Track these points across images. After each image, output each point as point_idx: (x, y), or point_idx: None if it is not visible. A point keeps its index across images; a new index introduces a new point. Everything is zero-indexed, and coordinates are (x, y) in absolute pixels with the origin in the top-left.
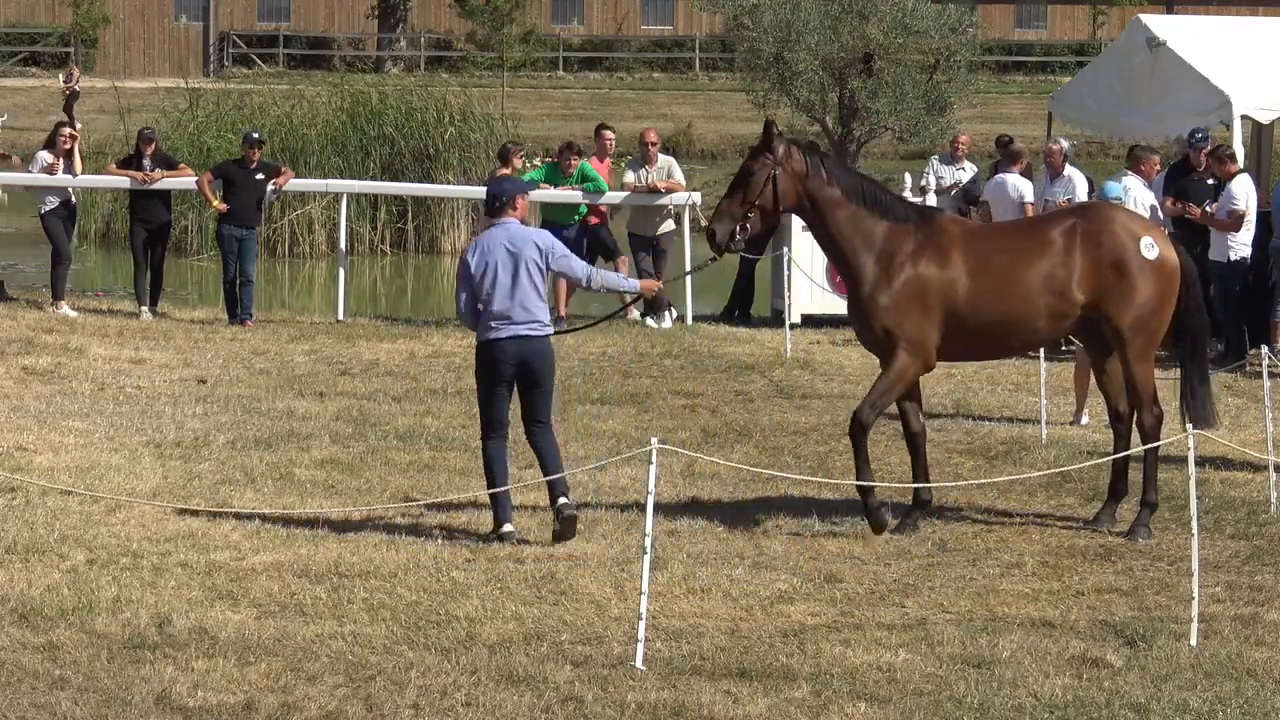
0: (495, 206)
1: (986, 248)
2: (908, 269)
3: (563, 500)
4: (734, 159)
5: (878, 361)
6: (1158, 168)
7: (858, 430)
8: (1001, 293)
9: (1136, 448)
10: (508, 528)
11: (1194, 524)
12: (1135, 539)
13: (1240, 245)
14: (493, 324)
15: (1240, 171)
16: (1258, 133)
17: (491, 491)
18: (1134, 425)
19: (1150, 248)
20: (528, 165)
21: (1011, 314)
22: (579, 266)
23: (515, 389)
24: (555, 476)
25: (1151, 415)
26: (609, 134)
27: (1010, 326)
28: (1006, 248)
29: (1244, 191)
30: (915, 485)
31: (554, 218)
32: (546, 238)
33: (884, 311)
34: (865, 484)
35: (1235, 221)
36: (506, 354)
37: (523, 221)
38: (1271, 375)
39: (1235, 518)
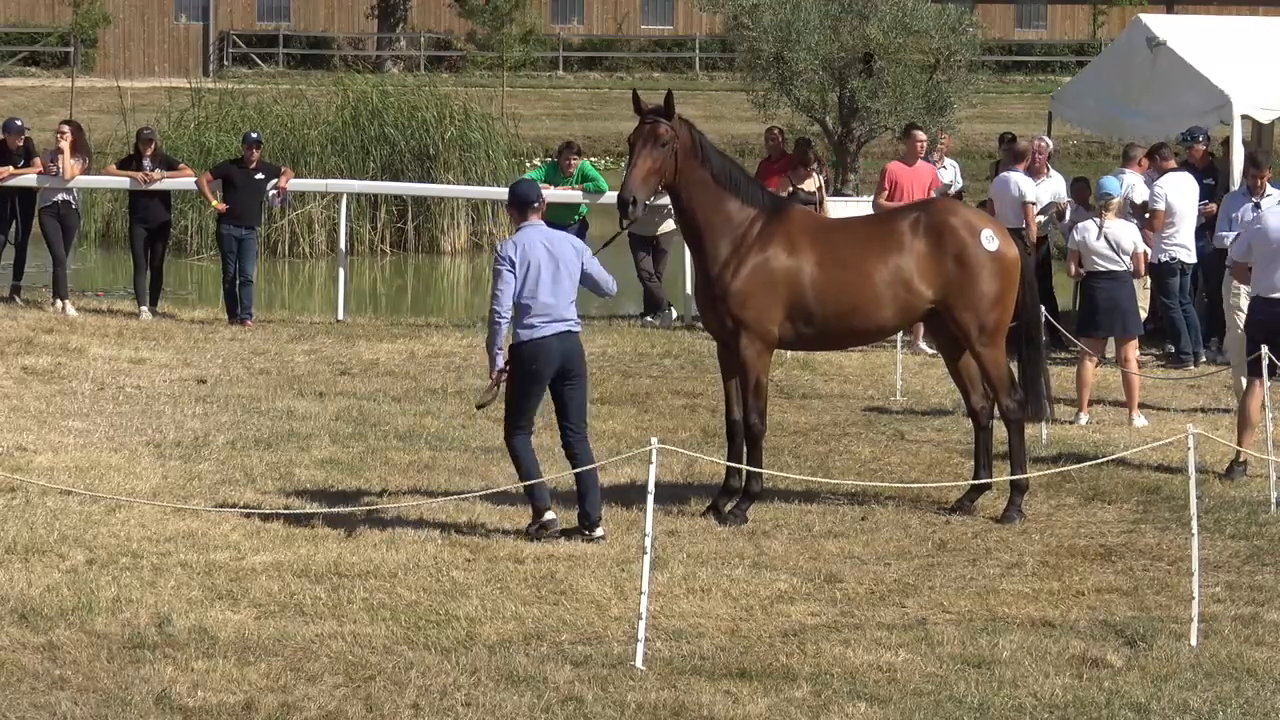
0: (531, 208)
1: (835, 239)
2: (757, 255)
3: (599, 533)
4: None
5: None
6: (1173, 164)
7: (755, 437)
8: (847, 282)
9: (1135, 448)
10: (549, 515)
11: (1194, 524)
12: (1009, 520)
13: (1173, 247)
14: (537, 322)
15: (1174, 169)
16: (1258, 133)
17: (528, 484)
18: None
19: (990, 240)
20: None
21: (857, 303)
22: (606, 273)
23: (549, 389)
24: (589, 502)
25: (1011, 400)
26: (919, 135)
27: (856, 315)
28: (853, 239)
29: (1162, 192)
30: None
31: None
32: (578, 241)
33: (731, 296)
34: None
35: (1154, 221)
36: (553, 351)
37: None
38: (1273, 376)
39: (1235, 518)
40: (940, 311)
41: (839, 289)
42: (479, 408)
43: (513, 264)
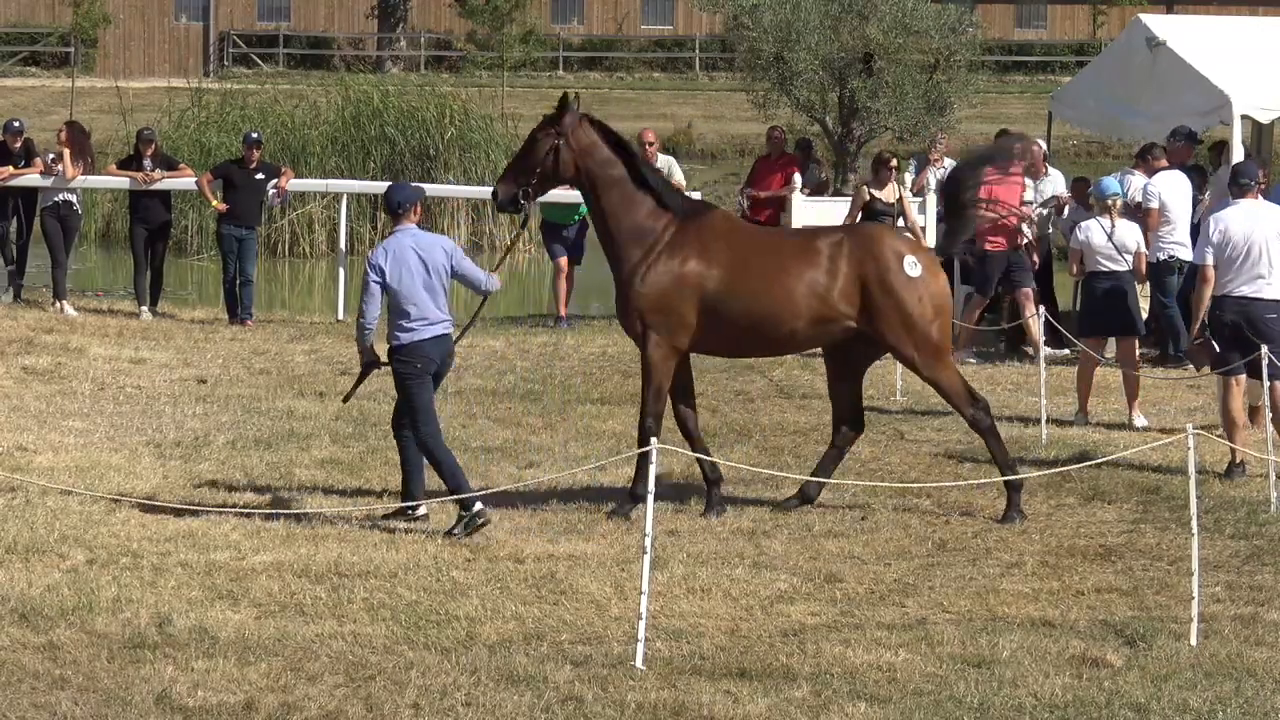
0: (399, 212)
1: (752, 247)
2: (668, 260)
3: (478, 507)
4: (734, 159)
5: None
6: (1164, 163)
7: (645, 439)
8: (758, 291)
9: (1135, 448)
10: (423, 510)
11: (1194, 524)
12: (1010, 521)
13: (1169, 245)
14: (415, 325)
15: (1165, 169)
16: (1258, 133)
17: (406, 475)
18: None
19: (913, 266)
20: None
21: (767, 313)
22: (479, 270)
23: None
24: (468, 493)
25: (974, 408)
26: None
27: (767, 324)
28: (770, 250)
29: (1155, 190)
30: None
31: (554, 217)
32: (449, 242)
33: (640, 298)
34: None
35: (1149, 220)
36: (430, 353)
37: (420, 226)
38: (1273, 377)
39: (1235, 518)
40: (871, 337)
41: (750, 296)
42: (344, 401)
43: (381, 273)
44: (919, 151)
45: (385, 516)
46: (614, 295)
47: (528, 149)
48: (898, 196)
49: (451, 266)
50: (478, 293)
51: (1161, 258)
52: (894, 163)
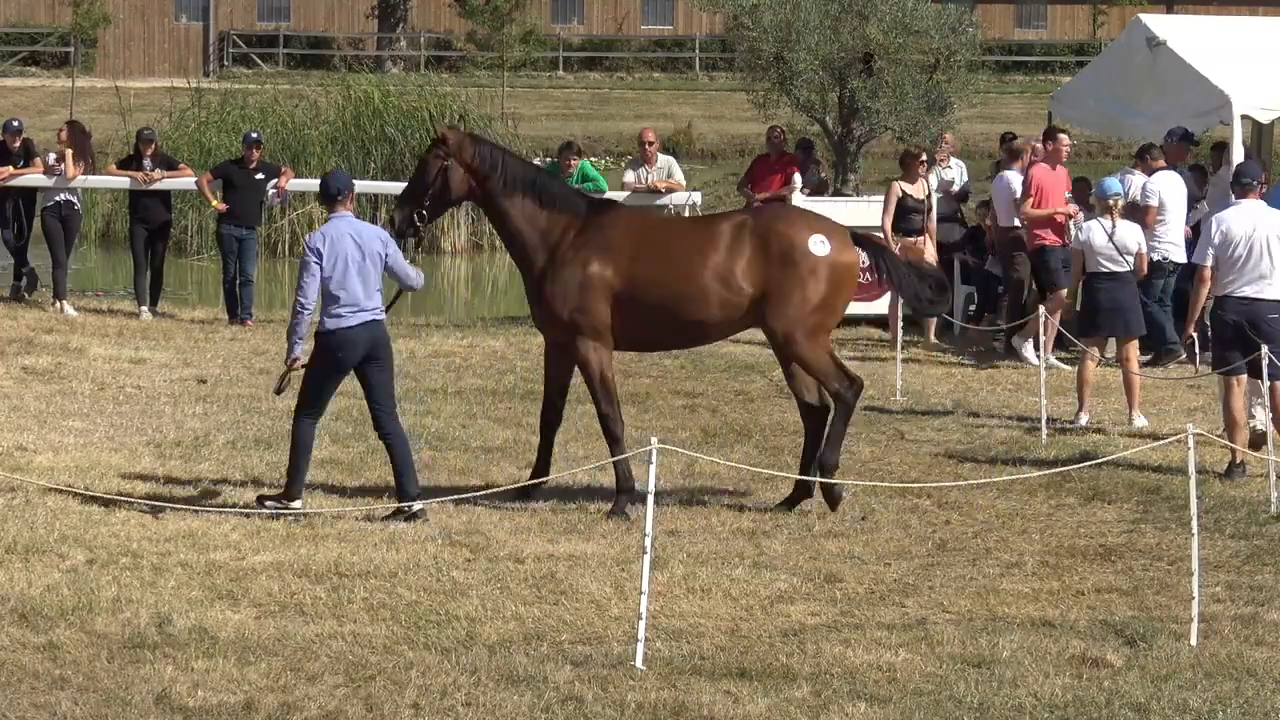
0: (337, 199)
1: (656, 239)
2: (574, 259)
3: (417, 507)
4: (734, 158)
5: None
6: (1162, 164)
7: (609, 430)
8: (666, 280)
9: (1135, 448)
10: (298, 504)
11: (1194, 524)
12: (834, 503)
13: (1164, 245)
14: (344, 312)
15: (1163, 168)
16: (1258, 133)
17: (291, 467)
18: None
19: (820, 244)
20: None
21: (677, 301)
22: (410, 267)
23: (356, 375)
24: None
25: (839, 385)
26: (1065, 138)
27: (679, 314)
28: (675, 238)
29: (1154, 189)
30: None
31: None
32: (384, 233)
33: (557, 301)
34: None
35: (1146, 218)
36: (358, 340)
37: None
38: (1273, 376)
39: (1235, 518)
40: (768, 314)
41: (658, 288)
42: (276, 393)
43: (320, 256)
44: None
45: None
46: (527, 298)
47: (418, 173)
48: (928, 193)
49: (386, 257)
50: (404, 288)
51: (1155, 258)
52: (924, 158)
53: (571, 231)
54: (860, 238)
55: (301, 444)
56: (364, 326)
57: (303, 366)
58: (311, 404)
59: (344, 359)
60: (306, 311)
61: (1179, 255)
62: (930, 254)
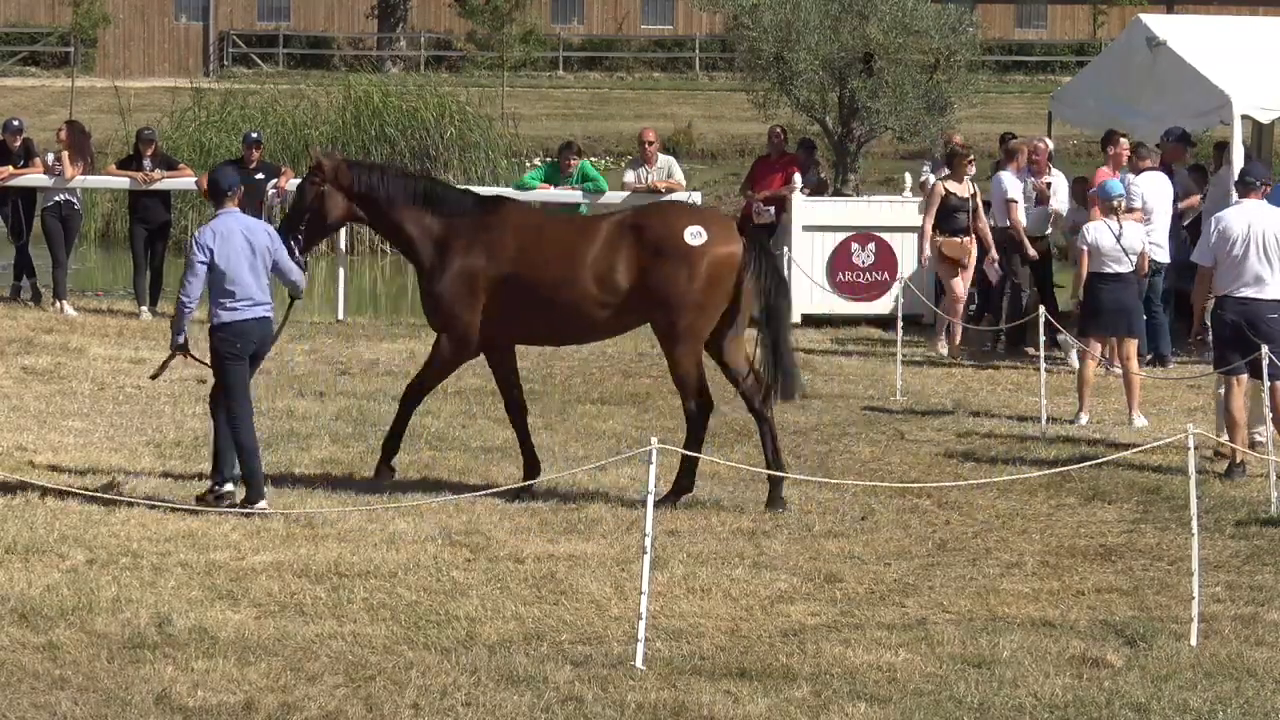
0: (227, 195)
1: (539, 236)
2: (458, 259)
3: (262, 505)
4: (734, 158)
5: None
6: (1149, 164)
7: (408, 397)
8: (546, 277)
9: (1135, 448)
10: (228, 488)
11: (1194, 524)
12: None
13: (1148, 246)
14: (239, 305)
15: (1149, 169)
16: (1258, 133)
17: (215, 454)
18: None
19: (696, 236)
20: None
21: (558, 298)
22: (295, 267)
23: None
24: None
25: (696, 400)
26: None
27: (561, 310)
28: (557, 237)
29: (1138, 190)
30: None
31: None
32: (271, 229)
33: (434, 299)
34: (393, 445)
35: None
36: (251, 333)
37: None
38: (1273, 378)
39: (1235, 518)
40: (645, 307)
41: (539, 285)
42: (152, 379)
43: (209, 253)
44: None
45: (198, 499)
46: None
47: (295, 200)
48: (973, 191)
49: (273, 253)
50: (286, 284)
51: None
52: (971, 156)
53: (460, 233)
54: (746, 233)
55: (249, 448)
56: (257, 321)
57: (185, 356)
58: (241, 396)
59: (241, 349)
60: (188, 308)
61: (1162, 256)
62: (974, 255)
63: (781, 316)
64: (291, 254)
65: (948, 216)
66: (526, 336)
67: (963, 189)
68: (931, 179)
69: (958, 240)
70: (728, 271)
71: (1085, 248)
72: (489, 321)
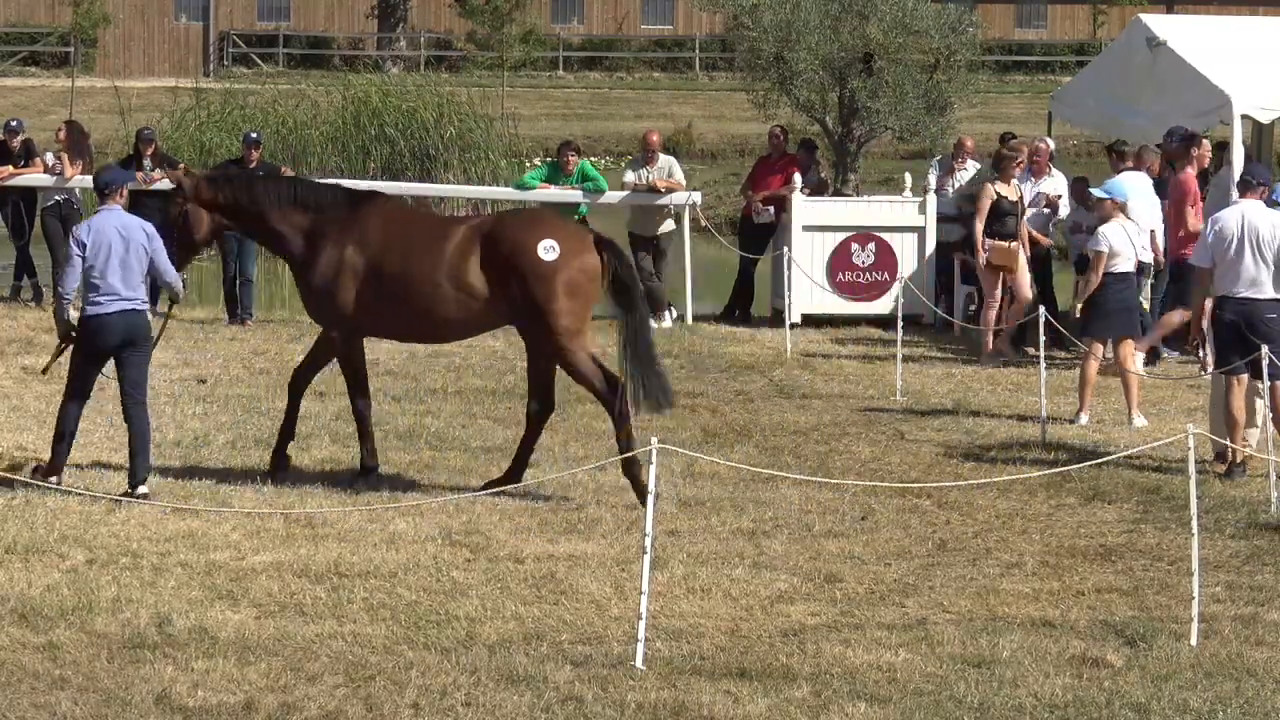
0: (106, 193)
1: (404, 235)
2: (327, 255)
3: (142, 491)
4: (734, 158)
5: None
6: (1129, 164)
7: (358, 413)
8: (404, 275)
9: (1135, 448)
10: (55, 480)
11: (1194, 524)
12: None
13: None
14: (103, 300)
15: (1129, 169)
16: (1258, 133)
17: (56, 443)
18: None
19: (549, 250)
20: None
21: (414, 296)
22: (172, 268)
23: (112, 360)
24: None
25: (608, 391)
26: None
27: (418, 308)
28: (420, 235)
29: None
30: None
31: None
32: (150, 228)
33: (310, 295)
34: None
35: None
36: (114, 326)
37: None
38: (1273, 376)
39: (1235, 518)
40: (513, 320)
41: (397, 282)
42: (43, 373)
43: (83, 247)
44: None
45: (33, 472)
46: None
47: (175, 223)
48: (1020, 194)
49: (150, 251)
50: (162, 284)
51: None
52: (1020, 159)
53: (330, 231)
54: (603, 243)
55: (63, 422)
56: (121, 315)
57: (70, 344)
58: (74, 387)
59: (100, 344)
60: (65, 299)
61: (1145, 256)
62: (1022, 258)
63: (642, 326)
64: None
65: (998, 220)
66: (384, 330)
67: (1011, 191)
68: (934, 180)
69: (1006, 245)
70: (585, 282)
71: (1104, 250)
72: (361, 311)
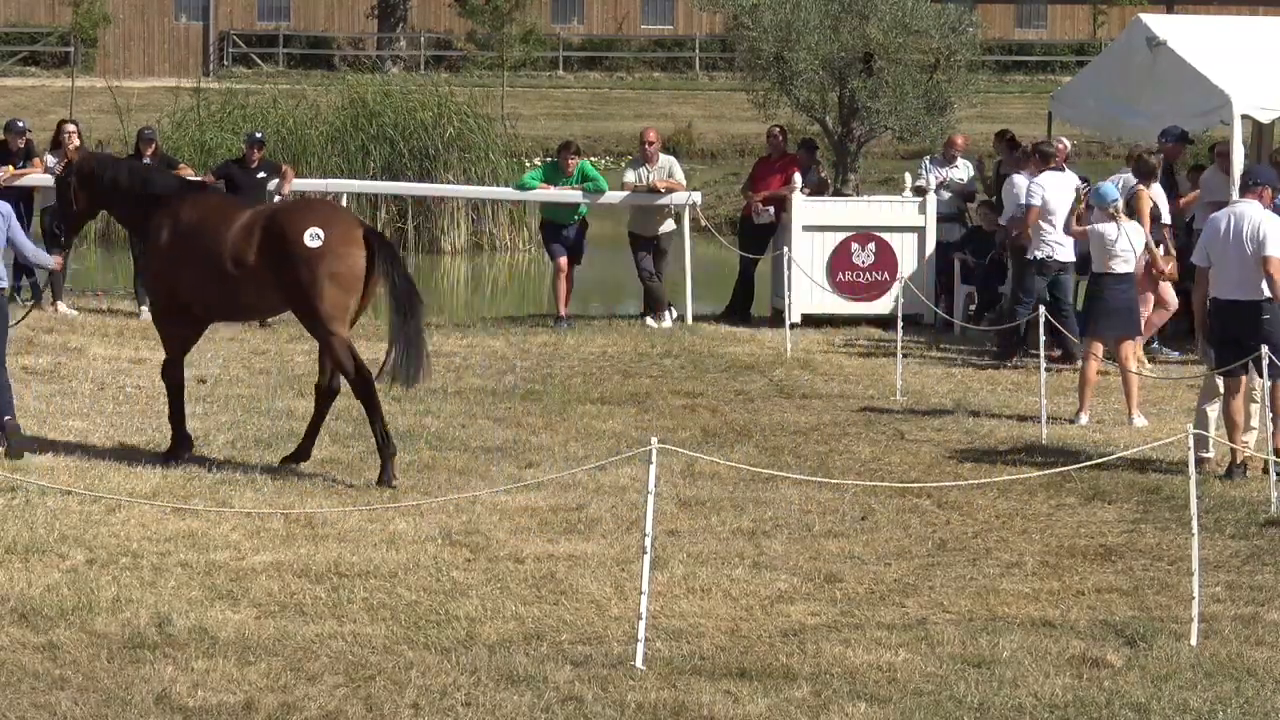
0: None
1: (208, 221)
2: (155, 240)
3: (8, 418)
4: (734, 158)
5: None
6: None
7: (168, 379)
8: (201, 259)
9: (1135, 448)
10: None
11: (1194, 524)
12: (386, 484)
13: (1047, 244)
14: None
15: (1054, 169)
16: (1258, 133)
17: None
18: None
19: (314, 238)
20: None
21: (210, 279)
22: (30, 244)
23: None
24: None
25: (356, 376)
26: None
27: (217, 290)
28: (219, 222)
29: (1037, 189)
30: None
31: (554, 217)
32: (7, 208)
33: (145, 275)
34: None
35: (1028, 217)
36: None
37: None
38: (1273, 376)
39: (1235, 518)
40: (284, 298)
41: (198, 269)
42: None
43: None
44: (933, 152)
45: None
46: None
47: (57, 195)
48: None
49: (7, 229)
50: (23, 261)
51: (1039, 255)
52: (1065, 156)
53: (163, 217)
54: (372, 235)
55: None
56: None
57: None
58: None
59: None
60: None
61: (1065, 255)
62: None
63: (413, 313)
64: (56, 241)
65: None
66: (206, 310)
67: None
68: (933, 180)
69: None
70: (345, 271)
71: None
72: (182, 291)
